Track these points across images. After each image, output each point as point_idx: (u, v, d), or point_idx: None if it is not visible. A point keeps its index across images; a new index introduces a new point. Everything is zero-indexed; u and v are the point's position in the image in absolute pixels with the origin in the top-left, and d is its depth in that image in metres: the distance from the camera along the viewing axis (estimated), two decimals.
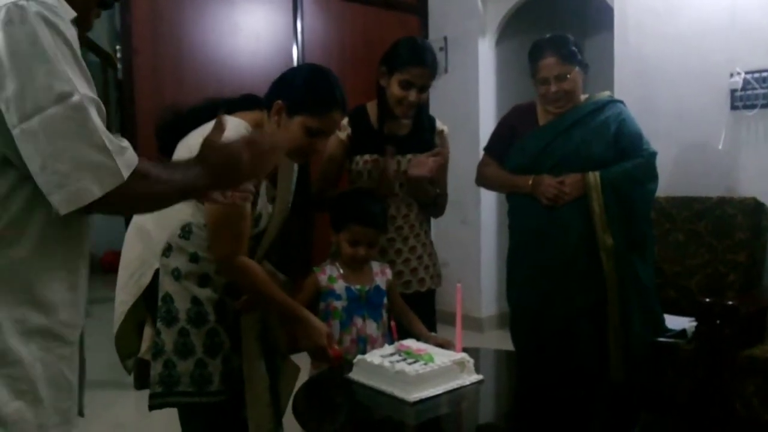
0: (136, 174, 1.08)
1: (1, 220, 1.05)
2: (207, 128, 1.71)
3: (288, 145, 1.75)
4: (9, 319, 1.05)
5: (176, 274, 1.73)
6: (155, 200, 1.18)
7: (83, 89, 1.03)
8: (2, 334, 1.04)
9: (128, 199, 1.10)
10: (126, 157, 1.07)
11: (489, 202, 4.41)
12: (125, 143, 1.09)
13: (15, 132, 1.00)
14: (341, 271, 2.04)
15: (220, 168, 1.21)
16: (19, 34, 0.99)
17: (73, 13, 1.08)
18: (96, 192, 1.03)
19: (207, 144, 1.23)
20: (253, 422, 1.78)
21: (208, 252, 1.71)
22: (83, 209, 1.04)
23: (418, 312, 2.13)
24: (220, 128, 1.28)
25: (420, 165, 2.15)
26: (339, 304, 2.00)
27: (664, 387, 2.39)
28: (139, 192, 1.10)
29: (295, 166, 1.98)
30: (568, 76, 2.31)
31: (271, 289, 1.76)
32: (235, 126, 1.71)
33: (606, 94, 2.49)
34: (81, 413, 1.26)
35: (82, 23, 1.12)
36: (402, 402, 1.57)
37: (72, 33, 1.06)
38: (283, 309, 1.79)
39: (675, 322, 2.51)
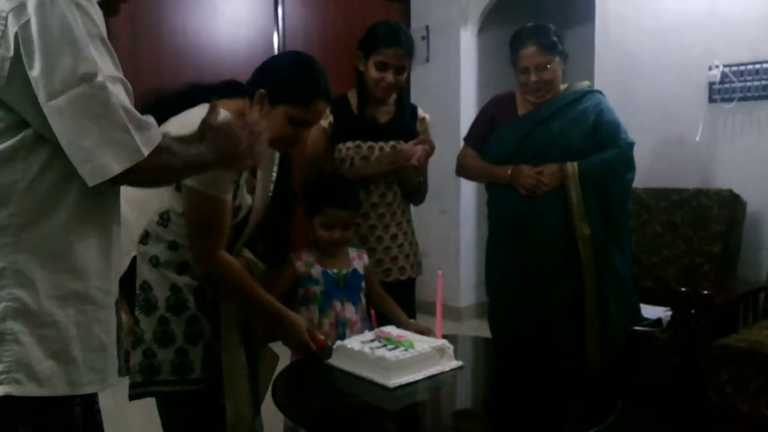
0: (159, 149, 1.17)
1: (38, 190, 1.13)
2: (188, 115, 1.70)
3: (270, 135, 1.74)
4: (47, 284, 1.14)
5: (154, 262, 1.71)
6: (175, 173, 1.30)
7: (108, 70, 1.12)
8: (39, 297, 1.13)
9: (151, 172, 1.19)
10: (149, 134, 1.16)
11: (468, 192, 4.42)
12: (151, 120, 1.18)
13: (45, 109, 1.08)
14: (317, 256, 2.03)
15: (221, 147, 1.31)
16: (49, 16, 1.07)
17: None
18: (116, 168, 1.12)
19: (207, 124, 1.33)
20: (231, 411, 1.78)
21: (186, 239, 1.70)
22: (110, 181, 1.13)
23: (398, 301, 2.14)
24: (215, 112, 1.37)
25: (408, 153, 2.15)
26: (317, 289, 2.00)
27: (640, 375, 2.43)
28: (162, 165, 1.20)
29: (277, 156, 1.97)
30: (549, 66, 2.32)
31: (251, 285, 1.74)
32: None
33: (585, 84, 2.50)
34: (121, 373, 1.34)
35: (108, 8, 1.22)
36: (381, 387, 1.58)
37: (99, 16, 1.14)
38: (261, 307, 1.77)
39: (651, 311, 2.55)
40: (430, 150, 2.21)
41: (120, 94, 1.13)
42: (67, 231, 1.16)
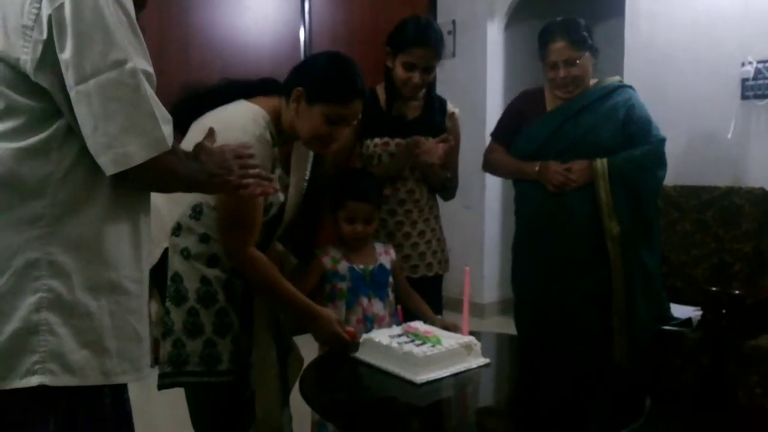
0: (174, 150, 1.18)
1: (72, 182, 1.14)
2: (225, 111, 1.71)
3: (307, 133, 1.75)
4: (81, 275, 1.15)
5: (185, 254, 1.73)
6: (177, 181, 1.25)
7: (138, 59, 1.12)
8: (74, 288, 1.14)
9: (161, 172, 1.18)
10: (170, 129, 1.16)
11: (494, 188, 4.40)
12: (169, 117, 1.17)
13: (72, 94, 1.09)
14: (344, 252, 2.04)
15: (211, 171, 1.28)
16: (83, 1, 1.07)
17: None
18: (141, 156, 1.12)
19: (200, 148, 1.31)
20: (261, 405, 1.80)
21: (217, 233, 1.72)
22: (124, 173, 1.11)
23: (424, 297, 2.13)
24: (211, 137, 1.36)
25: (429, 152, 2.14)
26: (343, 285, 2.01)
27: (668, 375, 2.39)
28: (171, 167, 1.20)
29: (311, 155, 1.97)
30: (578, 61, 2.29)
31: (280, 282, 1.76)
32: (252, 114, 1.70)
33: (615, 79, 2.47)
34: (152, 363, 1.34)
35: (139, 1, 1.22)
36: (409, 383, 1.58)
37: (131, 6, 1.15)
38: (290, 302, 1.79)
39: (680, 310, 2.52)
40: (453, 146, 2.20)
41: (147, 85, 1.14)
42: (100, 222, 1.17)
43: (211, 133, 1.38)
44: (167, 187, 1.35)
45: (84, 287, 1.15)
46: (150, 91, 1.14)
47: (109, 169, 1.11)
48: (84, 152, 1.13)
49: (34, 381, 1.11)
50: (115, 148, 1.10)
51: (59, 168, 1.13)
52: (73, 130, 1.13)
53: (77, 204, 1.15)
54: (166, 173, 1.20)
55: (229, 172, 1.31)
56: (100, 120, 1.09)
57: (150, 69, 1.16)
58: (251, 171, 1.35)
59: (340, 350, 1.82)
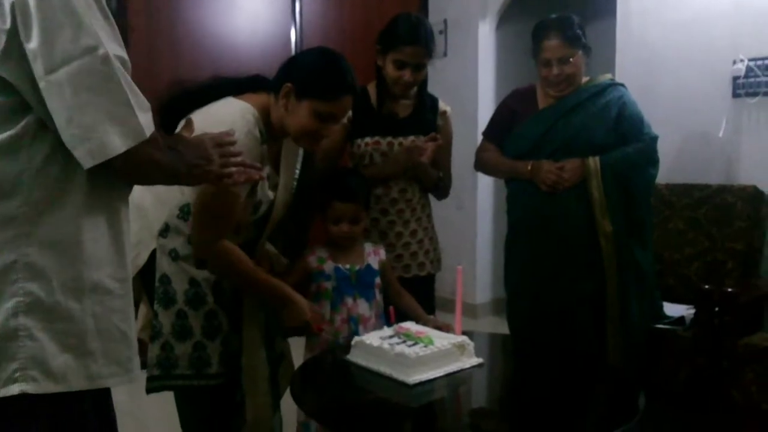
0: (154, 139, 1.12)
1: (45, 180, 1.08)
2: (213, 108, 1.69)
3: (295, 129, 1.73)
4: (61, 276, 1.10)
5: (173, 255, 1.70)
6: (158, 172, 1.20)
7: (110, 44, 1.06)
8: (53, 291, 1.09)
9: (141, 162, 1.12)
10: (148, 117, 1.11)
11: (486, 188, 4.38)
12: (147, 104, 1.12)
13: (42, 84, 1.03)
14: (331, 252, 2.02)
15: (191, 161, 1.23)
16: None
17: None
18: (120, 146, 1.06)
19: (179, 136, 1.27)
20: (251, 410, 1.77)
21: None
22: (103, 165, 1.05)
23: (416, 296, 2.11)
24: (189, 128, 1.31)
25: (420, 150, 2.12)
26: (328, 285, 1.98)
27: (662, 374, 2.38)
28: (152, 157, 1.14)
29: (301, 153, 1.95)
30: (571, 59, 2.28)
31: (252, 270, 1.73)
32: (241, 110, 1.68)
33: (607, 77, 2.46)
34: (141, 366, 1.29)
35: None
36: (401, 384, 1.56)
37: None
38: (264, 289, 1.76)
39: (673, 309, 2.51)
40: (443, 144, 2.18)
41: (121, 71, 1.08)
42: (78, 220, 1.12)
43: (188, 123, 1.33)
44: (148, 178, 1.28)
45: (64, 289, 1.10)
46: (126, 77, 1.09)
47: (87, 162, 1.06)
48: (57, 147, 1.08)
49: (14, 389, 1.06)
50: (91, 140, 1.04)
51: (31, 165, 1.07)
52: (44, 125, 1.08)
53: (53, 202, 1.09)
54: (147, 164, 1.14)
55: (209, 161, 1.25)
56: (74, 111, 1.03)
57: (123, 54, 1.11)
58: (233, 159, 1.30)
59: (309, 336, 1.88)
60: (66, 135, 1.05)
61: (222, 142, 1.29)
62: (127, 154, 1.07)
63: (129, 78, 1.10)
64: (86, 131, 1.04)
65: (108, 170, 1.09)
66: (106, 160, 1.06)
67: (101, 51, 1.04)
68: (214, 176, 1.27)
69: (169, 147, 1.20)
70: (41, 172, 1.08)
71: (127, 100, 1.07)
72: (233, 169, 1.29)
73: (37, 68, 1.02)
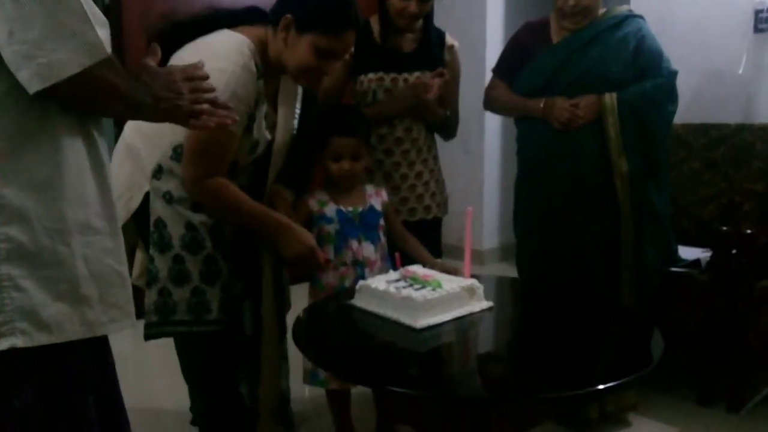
0: (111, 60, 0.97)
1: (8, 113, 0.96)
2: (205, 41, 1.59)
3: (295, 65, 1.63)
4: (43, 218, 0.99)
5: (168, 198, 1.63)
6: (118, 100, 1.04)
7: None
8: (36, 234, 0.99)
9: (98, 88, 0.98)
10: (107, 34, 0.97)
11: (493, 131, 4.27)
12: (105, 20, 0.98)
13: None
14: (332, 194, 1.94)
15: (157, 93, 1.09)
16: None
17: None
18: (73, 65, 0.91)
19: (143, 68, 1.11)
20: (266, 362, 1.80)
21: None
22: (47, 90, 0.91)
23: (423, 240, 2.05)
24: (154, 55, 1.16)
25: (426, 87, 2.02)
26: (331, 228, 1.91)
27: (677, 317, 2.33)
28: (110, 83, 0.99)
29: (301, 91, 1.86)
30: None
31: (246, 201, 1.65)
32: (236, 42, 1.58)
33: (625, 8, 2.32)
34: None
35: None
36: (408, 328, 1.50)
37: None
38: (261, 219, 1.68)
39: (688, 252, 2.43)
40: (450, 80, 2.07)
41: None
42: (55, 154, 1.01)
43: (154, 50, 1.18)
44: (106, 107, 1.10)
45: (48, 231, 1.00)
46: None
47: (33, 85, 0.91)
48: (17, 88, 0.95)
49: (3, 344, 0.98)
50: (38, 58, 0.90)
51: None
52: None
53: (23, 137, 0.98)
54: (105, 89, 1.00)
55: (179, 96, 1.11)
56: (16, 23, 0.89)
57: None
58: (204, 96, 1.16)
59: (308, 272, 1.82)
60: (8, 53, 0.90)
61: (193, 76, 1.16)
62: (80, 75, 0.93)
63: None
64: (32, 47, 0.90)
65: (58, 95, 0.94)
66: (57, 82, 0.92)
67: None
68: (182, 113, 1.14)
69: (133, 76, 1.07)
70: (6, 100, 0.96)
71: (82, 9, 0.93)
72: (205, 106, 1.16)
73: None
